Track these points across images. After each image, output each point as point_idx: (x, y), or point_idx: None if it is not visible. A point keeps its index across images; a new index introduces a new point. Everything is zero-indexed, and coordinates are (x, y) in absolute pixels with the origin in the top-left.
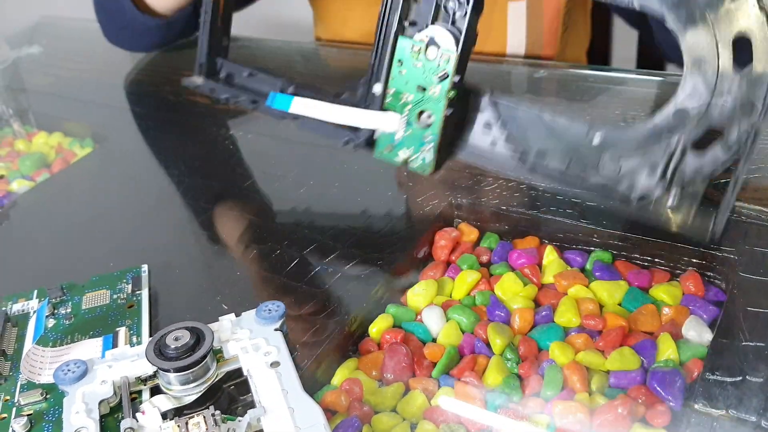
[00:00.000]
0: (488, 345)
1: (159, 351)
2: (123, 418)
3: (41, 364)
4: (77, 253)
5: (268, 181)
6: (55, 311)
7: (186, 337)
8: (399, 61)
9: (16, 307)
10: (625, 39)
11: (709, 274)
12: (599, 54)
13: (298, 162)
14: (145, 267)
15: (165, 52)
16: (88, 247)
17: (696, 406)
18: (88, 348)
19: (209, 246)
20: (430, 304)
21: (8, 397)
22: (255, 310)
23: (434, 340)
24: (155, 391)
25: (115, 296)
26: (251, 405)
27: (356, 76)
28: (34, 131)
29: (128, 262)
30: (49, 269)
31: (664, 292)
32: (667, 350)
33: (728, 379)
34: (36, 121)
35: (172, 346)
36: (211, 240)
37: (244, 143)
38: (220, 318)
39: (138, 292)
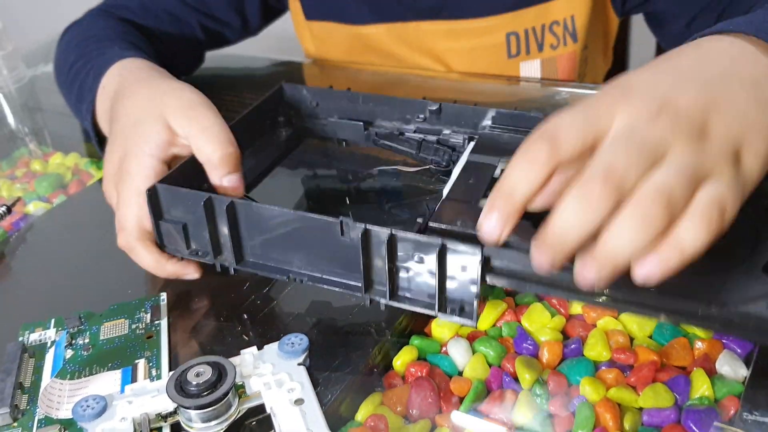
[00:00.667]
0: (516, 379)
1: (180, 387)
2: None
3: (59, 398)
4: (95, 279)
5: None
6: (73, 341)
7: (208, 373)
8: None
9: (33, 337)
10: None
11: None
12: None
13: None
14: (164, 295)
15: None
16: (105, 273)
17: None
18: (107, 381)
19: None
20: (455, 335)
21: None
22: (278, 343)
23: (460, 373)
24: (176, 428)
25: (133, 326)
26: None
27: None
28: (50, 151)
29: (147, 289)
30: (66, 296)
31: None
32: (701, 387)
33: None
34: (52, 141)
35: (194, 383)
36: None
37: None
38: (242, 351)
39: (157, 322)
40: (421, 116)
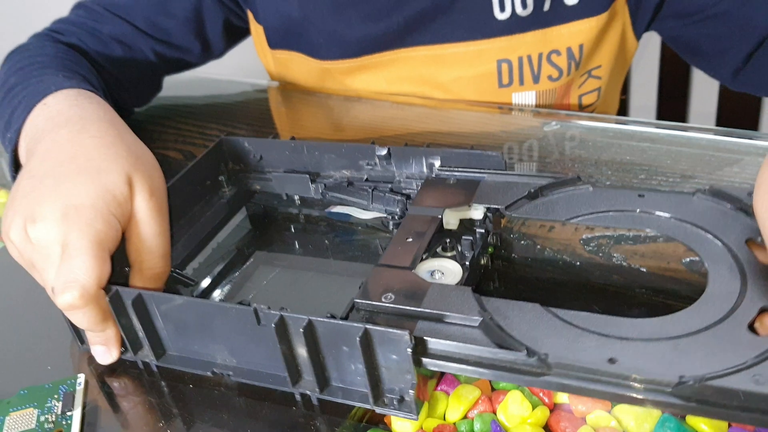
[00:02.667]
0: None
1: None
2: None
3: None
4: (11, 350)
5: None
6: None
7: None
8: None
9: None
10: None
11: None
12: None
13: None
14: (81, 377)
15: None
16: (24, 344)
17: None
18: None
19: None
20: (419, 430)
21: None
22: None
23: None
24: None
25: (42, 418)
26: None
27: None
28: None
29: (67, 366)
30: None
31: (705, 420)
32: None
33: None
34: (3, 176)
35: None
36: None
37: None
38: None
39: (69, 414)
40: (372, 162)
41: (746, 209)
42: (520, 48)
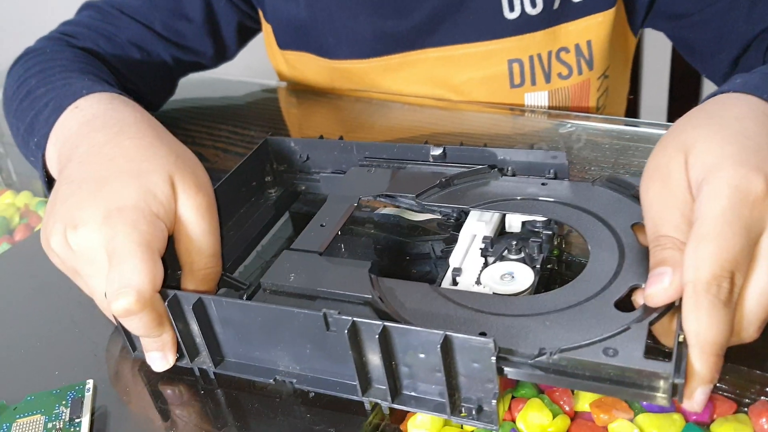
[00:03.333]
0: None
1: None
2: None
3: None
4: (19, 355)
5: None
6: None
7: None
8: None
9: None
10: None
11: None
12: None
13: None
14: (89, 383)
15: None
16: (32, 349)
17: None
18: None
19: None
20: None
21: None
22: None
23: None
24: None
25: (50, 425)
26: None
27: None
28: (1, 189)
29: (75, 371)
30: None
31: (730, 428)
32: None
33: None
34: (9, 176)
35: None
36: None
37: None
38: None
39: (77, 420)
40: (425, 162)
41: (639, 195)
42: (531, 47)
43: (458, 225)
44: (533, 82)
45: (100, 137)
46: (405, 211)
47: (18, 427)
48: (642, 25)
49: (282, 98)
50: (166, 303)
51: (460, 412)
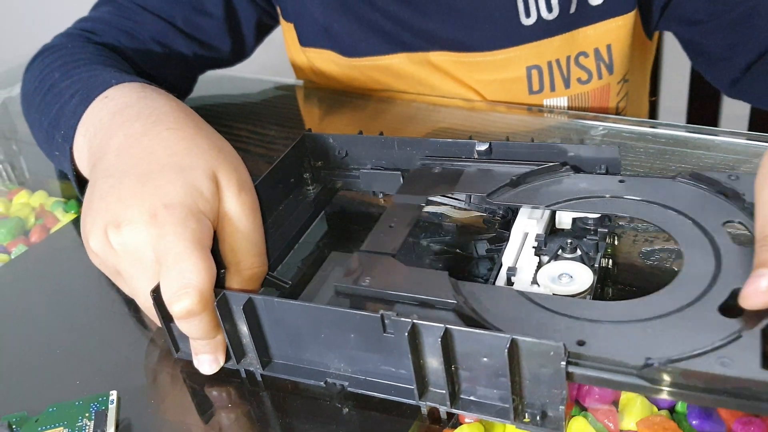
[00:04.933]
0: None
1: None
2: None
3: None
4: (39, 364)
5: None
6: None
7: None
8: None
9: None
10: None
11: None
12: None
13: None
14: (113, 394)
15: None
16: (52, 357)
17: None
18: None
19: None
20: None
21: None
22: None
23: None
24: None
25: None
26: None
27: None
28: (15, 188)
29: (98, 380)
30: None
31: None
32: None
33: None
34: (22, 174)
35: None
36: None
37: None
38: None
39: None
40: (469, 159)
41: (726, 192)
42: (549, 53)
43: (505, 223)
44: (552, 88)
45: (137, 127)
46: (448, 208)
47: None
48: (655, 28)
49: (300, 97)
50: (216, 303)
51: (524, 417)
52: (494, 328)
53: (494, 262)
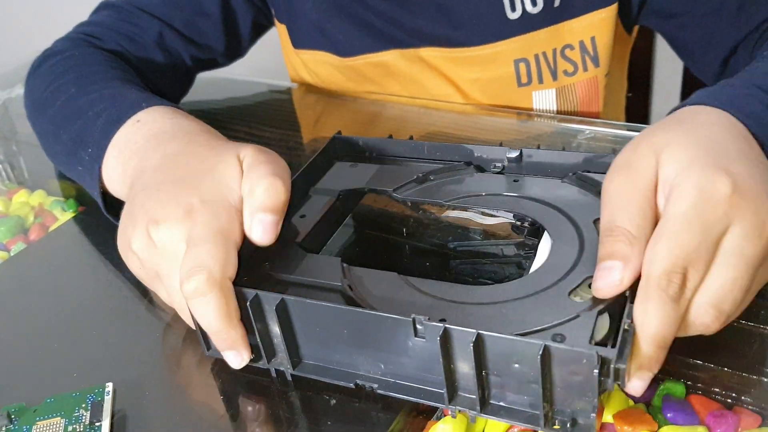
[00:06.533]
0: None
1: None
2: None
3: None
4: (37, 357)
5: None
6: None
7: None
8: None
9: None
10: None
11: None
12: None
13: None
14: (109, 386)
15: None
16: (50, 351)
17: None
18: None
19: (193, 361)
20: None
21: None
22: None
23: None
24: None
25: (70, 428)
26: None
27: None
28: (15, 188)
29: (95, 373)
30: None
31: None
32: None
33: None
34: (22, 174)
35: None
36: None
37: None
38: None
39: (97, 424)
40: (499, 165)
41: None
42: (535, 46)
43: (534, 231)
44: (540, 80)
45: (173, 147)
46: (475, 214)
47: (38, 430)
48: (635, 22)
49: (295, 99)
50: (248, 303)
51: (554, 424)
52: (369, 306)
53: (522, 267)
